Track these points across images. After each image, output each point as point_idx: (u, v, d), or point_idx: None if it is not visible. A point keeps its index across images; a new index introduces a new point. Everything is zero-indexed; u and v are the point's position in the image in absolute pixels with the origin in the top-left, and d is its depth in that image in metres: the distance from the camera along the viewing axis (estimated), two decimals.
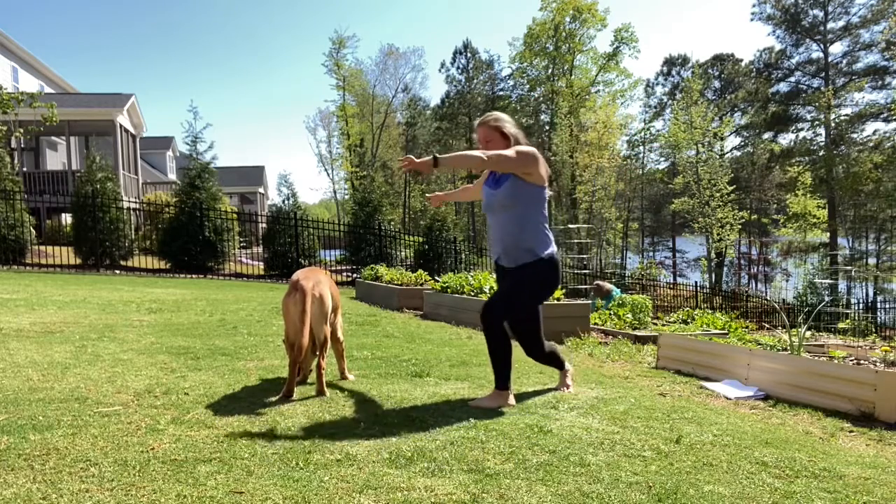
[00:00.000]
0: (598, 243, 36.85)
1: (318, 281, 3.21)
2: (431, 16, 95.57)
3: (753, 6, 40.07)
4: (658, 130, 46.19)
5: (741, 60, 46.35)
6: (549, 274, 3.26)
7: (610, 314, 9.05)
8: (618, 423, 2.92)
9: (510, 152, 3.11)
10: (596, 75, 43.74)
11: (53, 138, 22.53)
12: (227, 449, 2.30)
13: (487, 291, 6.95)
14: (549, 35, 42.91)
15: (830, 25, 37.38)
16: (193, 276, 13.71)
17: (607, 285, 11.10)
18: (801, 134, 41.72)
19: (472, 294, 7.16)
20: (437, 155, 2.92)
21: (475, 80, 50.34)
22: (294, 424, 2.65)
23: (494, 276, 3.64)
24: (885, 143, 34.75)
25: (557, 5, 41.86)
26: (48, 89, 22.43)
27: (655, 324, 8.82)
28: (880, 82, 36.53)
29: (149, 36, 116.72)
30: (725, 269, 39.96)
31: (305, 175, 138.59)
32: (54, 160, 23.19)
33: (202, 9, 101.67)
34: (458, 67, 50.60)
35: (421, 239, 16.79)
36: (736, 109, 44.61)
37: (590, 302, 9.17)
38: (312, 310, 3.09)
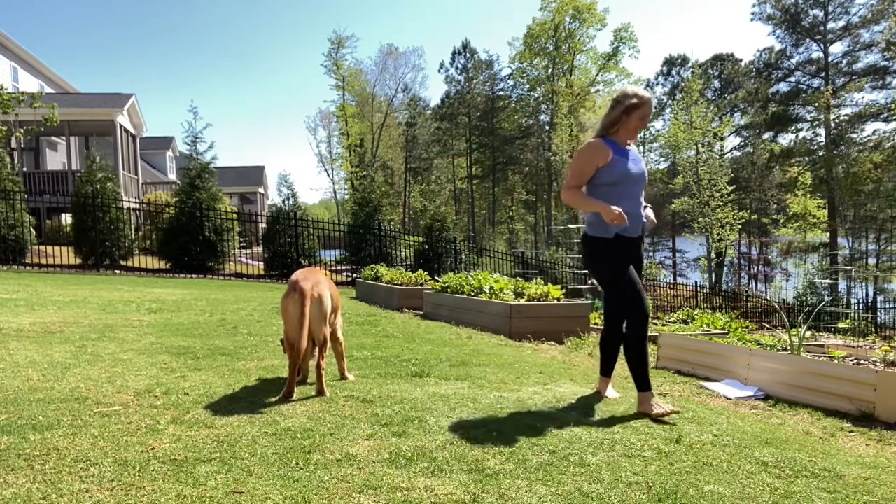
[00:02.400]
0: None
1: (317, 282, 3.21)
2: (431, 16, 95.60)
3: (753, 6, 40.10)
4: (658, 130, 46.23)
5: (741, 60, 46.37)
6: None
7: None
8: (618, 423, 2.92)
9: None
10: (596, 75, 43.77)
11: (53, 138, 22.52)
12: (227, 449, 2.30)
13: (487, 291, 6.95)
14: (548, 35, 42.95)
15: (830, 25, 37.39)
16: (193, 276, 13.71)
17: None
18: (801, 134, 41.74)
19: (472, 294, 7.15)
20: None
21: (475, 81, 50.34)
22: (294, 424, 2.65)
23: (617, 253, 3.23)
24: (885, 143, 34.73)
25: (557, 5, 41.89)
26: (48, 89, 22.42)
27: (655, 324, 8.83)
28: (880, 82, 36.52)
29: (149, 36, 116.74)
30: (725, 269, 39.97)
31: (305, 175, 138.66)
32: (54, 160, 23.19)
33: (202, 9, 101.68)
34: (457, 67, 50.61)
35: (421, 239, 16.79)
36: (736, 109, 44.59)
37: (590, 302, 9.16)
38: (312, 311, 3.08)
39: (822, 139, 38.57)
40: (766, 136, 43.59)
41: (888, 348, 4.29)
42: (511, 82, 49.32)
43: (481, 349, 5.06)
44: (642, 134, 46.48)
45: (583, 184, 3.24)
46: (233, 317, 6.30)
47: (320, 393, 3.16)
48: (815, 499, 2.08)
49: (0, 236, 12.65)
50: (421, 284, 9.29)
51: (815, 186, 35.23)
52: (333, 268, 16.49)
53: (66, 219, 17.62)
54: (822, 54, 38.28)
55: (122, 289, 9.13)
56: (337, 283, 3.66)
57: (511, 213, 51.70)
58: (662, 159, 47.23)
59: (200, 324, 5.70)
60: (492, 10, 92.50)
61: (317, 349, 3.27)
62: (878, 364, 3.94)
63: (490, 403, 3.19)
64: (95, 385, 3.21)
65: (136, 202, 18.71)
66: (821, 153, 37.97)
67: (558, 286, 7.09)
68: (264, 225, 16.44)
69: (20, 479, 1.96)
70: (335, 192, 51.11)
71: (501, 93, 50.20)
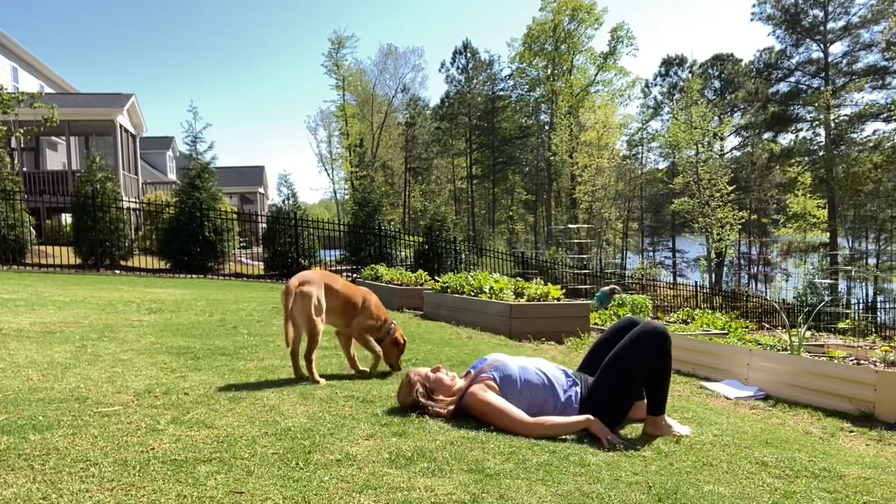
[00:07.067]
0: (597, 243, 36.87)
1: (305, 280, 3.47)
2: (431, 16, 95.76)
3: (753, 6, 40.10)
4: (656, 131, 46.26)
5: (741, 60, 46.37)
6: None
7: (610, 314, 9.06)
8: None
9: None
10: (595, 75, 43.82)
11: (53, 138, 22.53)
12: (227, 449, 2.30)
13: (487, 291, 6.95)
14: (548, 35, 43.01)
15: (830, 25, 37.39)
16: (193, 276, 13.70)
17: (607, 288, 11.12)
18: (801, 134, 41.73)
19: (472, 294, 7.15)
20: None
21: (475, 80, 50.36)
22: (294, 424, 2.64)
23: None
24: (885, 143, 34.72)
25: (557, 5, 41.95)
26: (48, 89, 22.43)
27: None
28: (880, 82, 36.51)
29: (149, 36, 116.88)
30: (725, 269, 39.97)
31: (305, 175, 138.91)
32: (54, 160, 23.19)
33: (202, 9, 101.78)
34: (457, 67, 50.63)
35: (421, 239, 16.79)
36: (736, 109, 44.59)
37: (590, 302, 9.16)
38: (295, 306, 3.37)
39: (822, 139, 38.58)
40: (766, 136, 43.58)
41: (888, 348, 4.29)
42: (511, 82, 49.38)
43: (481, 349, 5.05)
44: (642, 134, 46.56)
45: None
46: (233, 317, 6.30)
47: (314, 382, 3.40)
48: (815, 499, 2.08)
49: (0, 236, 12.66)
50: (421, 284, 9.29)
51: (815, 186, 35.23)
52: (333, 268, 16.48)
53: (66, 219, 17.63)
54: (822, 54, 38.29)
55: (122, 289, 9.13)
56: None
57: (511, 213, 51.72)
58: (662, 159, 47.28)
59: (200, 324, 5.70)
60: (492, 10, 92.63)
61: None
62: (878, 364, 3.94)
63: None
64: (95, 385, 3.21)
65: (136, 202, 18.72)
66: (821, 153, 37.97)
67: (558, 286, 7.09)
68: (264, 225, 16.44)
69: (20, 479, 1.96)
70: (335, 192, 51.18)
71: (501, 93, 50.24)
